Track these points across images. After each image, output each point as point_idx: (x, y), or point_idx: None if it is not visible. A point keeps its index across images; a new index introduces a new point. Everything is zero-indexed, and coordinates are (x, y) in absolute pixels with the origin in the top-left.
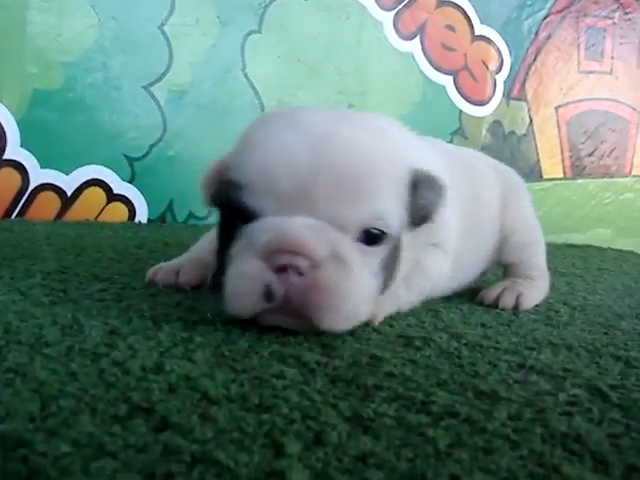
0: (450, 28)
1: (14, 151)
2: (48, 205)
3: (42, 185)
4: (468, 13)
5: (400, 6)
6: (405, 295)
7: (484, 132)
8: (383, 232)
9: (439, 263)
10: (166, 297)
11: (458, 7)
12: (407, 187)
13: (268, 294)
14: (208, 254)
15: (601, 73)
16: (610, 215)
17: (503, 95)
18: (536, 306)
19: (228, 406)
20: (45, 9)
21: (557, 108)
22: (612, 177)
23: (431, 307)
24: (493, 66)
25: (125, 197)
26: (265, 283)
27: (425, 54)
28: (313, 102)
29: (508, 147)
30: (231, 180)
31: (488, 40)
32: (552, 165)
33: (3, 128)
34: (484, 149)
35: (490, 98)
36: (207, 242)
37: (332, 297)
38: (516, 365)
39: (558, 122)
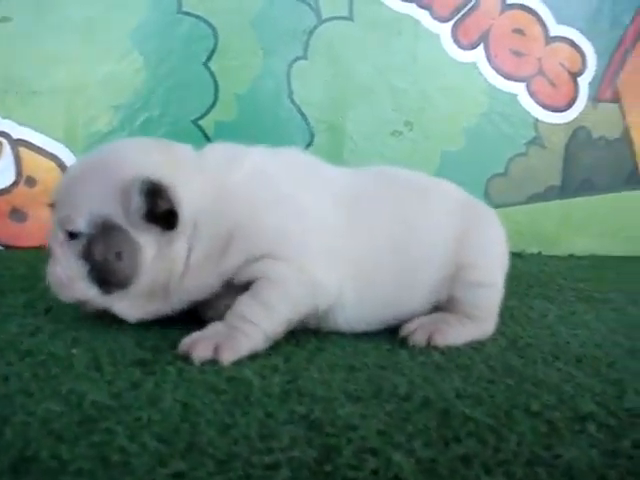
0: (519, 32)
1: None
2: None
3: None
4: (540, 14)
5: (459, 15)
6: (262, 320)
7: (566, 140)
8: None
9: (287, 276)
10: (73, 331)
11: (527, 9)
12: (130, 193)
13: None
14: None
15: None
16: None
17: (589, 98)
18: (467, 344)
19: None
20: (96, 59)
21: None
22: None
23: (324, 346)
24: (574, 68)
25: None
26: None
27: (490, 62)
28: (366, 122)
29: (597, 154)
30: None
31: (567, 40)
32: None
33: (67, 167)
34: (568, 158)
35: (572, 103)
36: None
37: (50, 276)
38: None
39: None
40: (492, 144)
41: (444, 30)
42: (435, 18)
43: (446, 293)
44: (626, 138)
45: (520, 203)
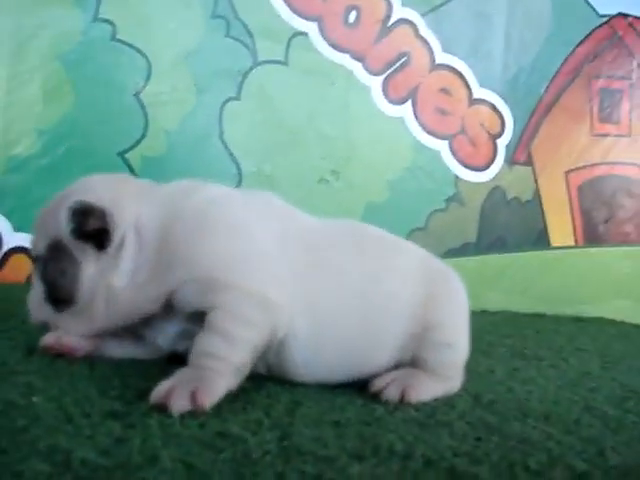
0: (445, 92)
1: None
2: (20, 268)
3: (15, 248)
4: (465, 76)
5: (390, 70)
6: (227, 352)
7: (483, 198)
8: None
9: (240, 301)
10: (20, 376)
11: (454, 70)
12: (69, 217)
13: None
14: None
15: (618, 136)
16: (629, 286)
17: (505, 160)
18: (436, 399)
19: None
20: (22, 80)
21: (567, 173)
22: (632, 245)
23: (298, 399)
24: (493, 130)
25: None
26: None
27: (417, 118)
28: (294, 168)
29: (510, 214)
30: None
31: (488, 103)
32: (562, 233)
33: None
34: (484, 216)
35: (490, 163)
36: None
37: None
38: None
39: (568, 187)
40: (414, 198)
41: (375, 83)
42: (367, 70)
43: (411, 352)
44: (537, 200)
45: (438, 258)
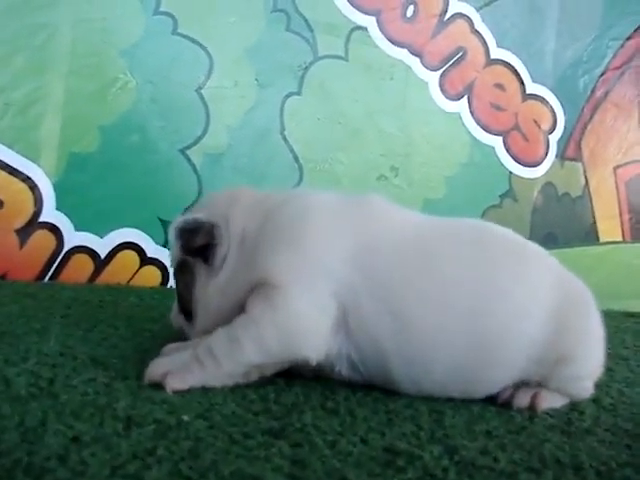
0: (500, 87)
1: (49, 214)
2: (82, 267)
3: (76, 247)
4: (519, 71)
5: (446, 66)
6: (226, 360)
7: (536, 194)
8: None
9: (265, 317)
10: (153, 391)
11: (508, 65)
12: (183, 234)
13: None
14: None
15: None
16: None
17: (556, 155)
18: (564, 406)
19: None
20: (83, 74)
21: (615, 168)
22: None
23: (437, 408)
24: (546, 126)
25: (159, 261)
26: None
27: (473, 114)
28: (354, 165)
29: (562, 209)
30: None
31: (540, 99)
32: (610, 228)
33: (40, 191)
34: (536, 211)
35: (542, 159)
36: None
37: None
38: None
39: (617, 183)
40: (470, 194)
41: (433, 79)
42: (425, 66)
43: (534, 377)
44: (586, 196)
45: None
